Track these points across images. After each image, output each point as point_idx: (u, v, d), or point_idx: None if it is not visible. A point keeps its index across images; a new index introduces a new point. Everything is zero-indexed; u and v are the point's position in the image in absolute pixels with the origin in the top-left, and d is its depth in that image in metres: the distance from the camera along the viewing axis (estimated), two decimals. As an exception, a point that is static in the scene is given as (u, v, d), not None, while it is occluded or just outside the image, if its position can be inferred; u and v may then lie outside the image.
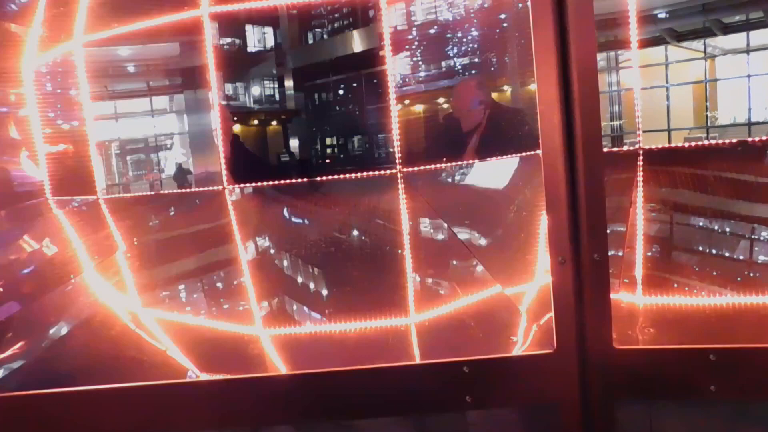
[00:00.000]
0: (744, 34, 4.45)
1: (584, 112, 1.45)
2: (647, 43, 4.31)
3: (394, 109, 3.60)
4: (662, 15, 4.36)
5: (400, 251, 2.83)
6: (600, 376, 1.44)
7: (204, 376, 1.58)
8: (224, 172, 3.60)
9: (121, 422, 1.53)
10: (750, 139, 3.91)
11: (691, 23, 4.51)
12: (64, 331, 2.24)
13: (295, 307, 2.60)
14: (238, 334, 2.02)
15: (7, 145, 3.92)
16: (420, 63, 4.46)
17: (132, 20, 3.89)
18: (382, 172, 3.61)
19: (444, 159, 3.64)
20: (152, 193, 4.57)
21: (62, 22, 4.00)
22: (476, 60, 4.18)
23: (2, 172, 3.90)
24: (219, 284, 2.84)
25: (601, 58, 4.15)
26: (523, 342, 1.57)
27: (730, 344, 1.45)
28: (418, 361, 1.59)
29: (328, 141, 5.75)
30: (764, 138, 3.87)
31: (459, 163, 3.63)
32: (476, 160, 3.60)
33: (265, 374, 1.54)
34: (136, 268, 2.88)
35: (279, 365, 1.69)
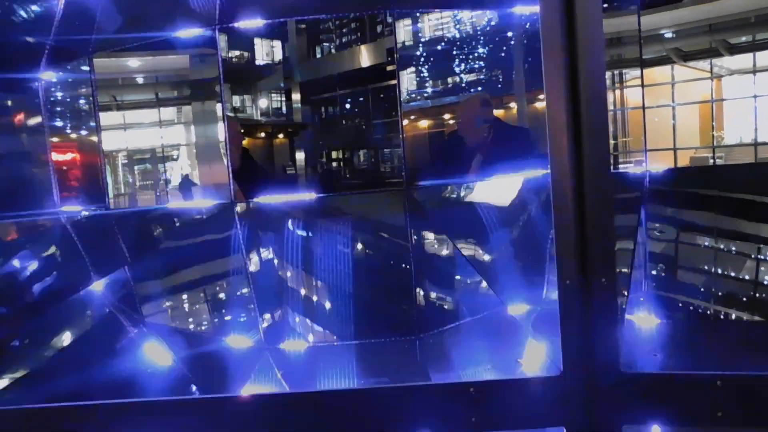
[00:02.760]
0: (750, 54, 4.47)
1: (593, 135, 1.45)
2: (653, 62, 4.32)
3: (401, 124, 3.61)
4: (668, 35, 4.38)
5: (405, 266, 2.82)
6: (607, 400, 1.43)
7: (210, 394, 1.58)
8: (232, 187, 3.60)
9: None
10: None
11: (698, 43, 4.53)
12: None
13: (297, 320, 2.57)
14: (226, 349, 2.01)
15: (19, 156, 3.95)
16: (428, 78, 4.47)
17: (143, 33, 3.94)
18: (388, 189, 3.61)
19: (449, 176, 3.64)
20: (158, 206, 4.58)
21: (74, 34, 4.05)
22: (482, 77, 4.20)
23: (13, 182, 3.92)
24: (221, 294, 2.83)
25: (607, 76, 4.17)
26: (530, 364, 1.56)
27: (738, 371, 1.44)
28: (425, 381, 1.59)
29: (334, 155, 5.78)
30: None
31: (465, 180, 3.63)
32: (480, 179, 3.60)
33: (265, 392, 1.53)
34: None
35: (281, 384, 1.68)
